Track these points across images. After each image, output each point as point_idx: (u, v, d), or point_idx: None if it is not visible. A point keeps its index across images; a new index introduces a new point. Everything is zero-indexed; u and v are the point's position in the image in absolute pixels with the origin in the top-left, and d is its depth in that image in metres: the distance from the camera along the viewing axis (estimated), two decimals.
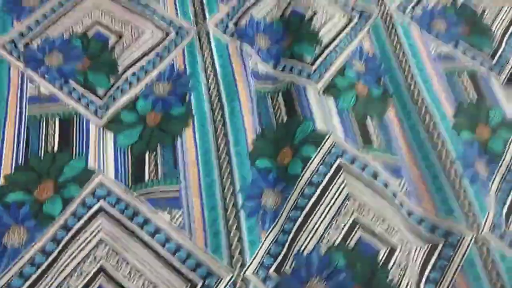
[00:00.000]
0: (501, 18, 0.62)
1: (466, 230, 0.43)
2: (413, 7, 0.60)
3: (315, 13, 0.58)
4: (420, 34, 0.58)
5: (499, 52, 0.58)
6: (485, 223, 0.43)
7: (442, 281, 0.41)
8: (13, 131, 0.47)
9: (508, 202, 0.46)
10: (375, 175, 0.45)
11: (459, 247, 0.42)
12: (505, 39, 0.59)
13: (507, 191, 0.47)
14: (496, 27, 0.60)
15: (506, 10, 0.63)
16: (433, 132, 0.48)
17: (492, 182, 0.47)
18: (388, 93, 0.52)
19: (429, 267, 0.42)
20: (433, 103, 0.50)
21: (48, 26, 0.55)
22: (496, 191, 0.46)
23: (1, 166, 0.45)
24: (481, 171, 0.46)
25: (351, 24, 0.58)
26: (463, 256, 0.42)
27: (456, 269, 0.41)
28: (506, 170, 0.48)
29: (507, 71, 0.56)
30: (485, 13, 0.61)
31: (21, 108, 0.49)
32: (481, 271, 0.41)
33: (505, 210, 0.45)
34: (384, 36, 0.57)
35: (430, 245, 0.43)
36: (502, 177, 0.47)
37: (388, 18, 0.59)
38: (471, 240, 0.42)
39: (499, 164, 0.48)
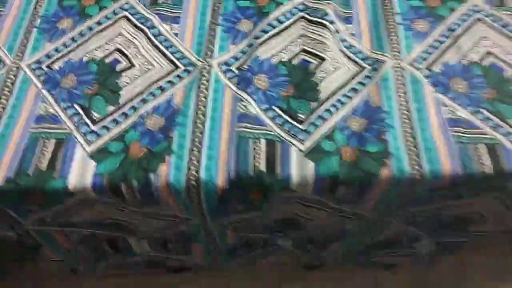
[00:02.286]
0: None
1: (390, 58, 0.57)
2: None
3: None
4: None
5: None
6: (406, 56, 0.57)
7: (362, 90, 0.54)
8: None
9: (438, 52, 0.57)
10: (330, 22, 0.59)
11: (380, 69, 0.55)
12: None
13: (440, 41, 0.58)
14: None
15: None
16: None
17: (430, 35, 0.58)
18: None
19: (354, 80, 0.55)
20: None
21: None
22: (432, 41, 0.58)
23: None
24: (422, 27, 0.59)
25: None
26: (381, 76, 0.55)
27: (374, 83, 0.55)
28: (446, 28, 0.59)
29: None
30: None
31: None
32: (392, 85, 0.55)
33: (432, 56, 0.57)
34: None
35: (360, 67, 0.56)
36: (440, 33, 0.59)
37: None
38: (388, 67, 0.56)
39: (441, 24, 0.59)
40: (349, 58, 0.58)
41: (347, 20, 0.61)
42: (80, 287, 1.06)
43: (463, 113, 0.53)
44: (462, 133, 0.51)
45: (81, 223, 0.62)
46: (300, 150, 0.51)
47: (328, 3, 0.61)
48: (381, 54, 0.57)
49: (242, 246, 0.81)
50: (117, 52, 0.60)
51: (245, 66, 0.57)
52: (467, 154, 0.50)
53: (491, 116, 0.52)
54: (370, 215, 0.61)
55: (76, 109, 0.55)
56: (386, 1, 0.61)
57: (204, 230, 0.68)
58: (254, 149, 0.51)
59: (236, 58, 0.58)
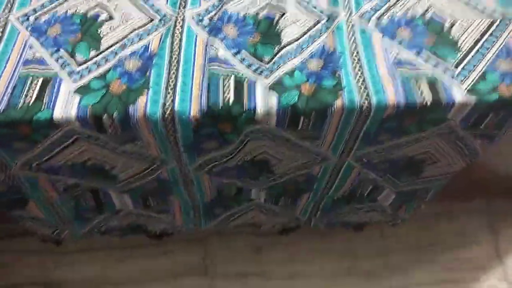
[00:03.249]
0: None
1: (343, 14, 0.64)
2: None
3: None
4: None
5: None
6: (357, 12, 0.64)
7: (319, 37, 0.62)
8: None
9: (385, 7, 0.65)
10: None
11: (334, 20, 0.63)
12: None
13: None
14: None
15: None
16: None
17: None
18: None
19: (313, 29, 0.63)
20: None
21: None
22: None
23: None
24: None
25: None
26: (335, 26, 0.63)
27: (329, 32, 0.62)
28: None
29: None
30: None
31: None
32: (345, 33, 0.62)
33: (380, 11, 0.64)
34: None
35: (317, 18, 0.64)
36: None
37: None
38: (341, 19, 0.64)
39: None
40: (307, 10, 0.65)
41: None
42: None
43: (407, 55, 0.60)
44: (405, 71, 0.59)
45: (64, 168, 0.67)
46: (264, 85, 0.57)
47: None
48: (336, 8, 0.64)
49: (218, 203, 0.86)
50: (99, 7, 0.65)
51: (215, 18, 0.63)
52: (410, 87, 0.57)
53: (432, 56, 0.60)
54: (331, 154, 0.68)
55: (60, 53, 0.60)
56: None
57: (181, 177, 0.73)
58: (224, 85, 0.58)
59: (207, 11, 0.64)
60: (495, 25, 0.63)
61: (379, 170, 0.75)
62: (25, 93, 0.57)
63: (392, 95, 0.57)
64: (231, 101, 0.56)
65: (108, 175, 0.71)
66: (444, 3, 0.65)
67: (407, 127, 0.62)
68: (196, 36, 0.62)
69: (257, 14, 0.65)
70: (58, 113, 0.55)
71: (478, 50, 0.61)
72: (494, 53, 0.61)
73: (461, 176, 0.78)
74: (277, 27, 0.63)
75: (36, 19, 0.64)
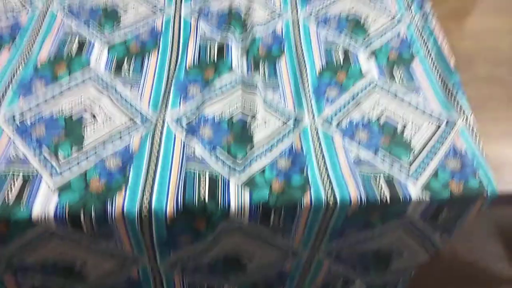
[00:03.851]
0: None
1: (307, 119, 0.71)
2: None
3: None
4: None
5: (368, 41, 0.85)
6: (319, 117, 0.72)
7: (287, 139, 0.69)
8: (49, 44, 0.79)
9: (344, 112, 0.73)
10: (260, 93, 0.75)
11: (300, 124, 0.71)
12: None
13: (344, 105, 0.74)
14: (372, 29, 0.88)
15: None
16: (304, 73, 0.80)
17: (337, 101, 0.75)
18: (284, 53, 0.82)
19: (281, 132, 0.70)
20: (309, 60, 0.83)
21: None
22: (340, 104, 0.74)
23: (39, 57, 0.77)
24: (332, 94, 0.76)
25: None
26: (301, 129, 0.70)
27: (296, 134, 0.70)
28: (349, 95, 0.76)
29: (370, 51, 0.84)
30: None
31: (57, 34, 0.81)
32: (310, 136, 0.69)
33: (339, 115, 0.73)
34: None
35: (285, 122, 0.72)
36: (345, 99, 0.75)
37: (296, 22, 0.89)
38: (306, 123, 0.71)
39: (346, 92, 0.77)
40: (276, 114, 0.72)
41: (275, 88, 0.76)
42: None
43: (365, 155, 0.67)
44: (365, 170, 0.65)
45: (35, 265, 0.66)
46: (237, 183, 0.62)
47: (259, 76, 0.77)
48: (301, 114, 0.72)
49: None
50: (83, 110, 0.70)
51: (193, 122, 0.69)
52: (370, 185, 0.63)
53: (387, 156, 0.67)
54: (301, 250, 0.71)
55: (43, 153, 0.63)
56: (304, 78, 0.78)
57: (153, 275, 0.73)
58: (199, 183, 0.61)
59: (186, 115, 0.71)
60: (442, 127, 0.72)
61: (349, 263, 0.77)
62: (4, 193, 0.58)
63: (354, 192, 0.62)
64: (206, 198, 0.60)
65: (78, 274, 0.70)
66: (396, 108, 0.74)
67: (371, 221, 0.66)
68: (175, 136, 0.67)
69: (231, 117, 0.71)
70: (36, 212, 0.56)
71: (429, 150, 0.68)
72: (443, 153, 0.68)
73: (430, 267, 0.81)
74: (249, 129, 0.69)
75: (21, 121, 0.68)
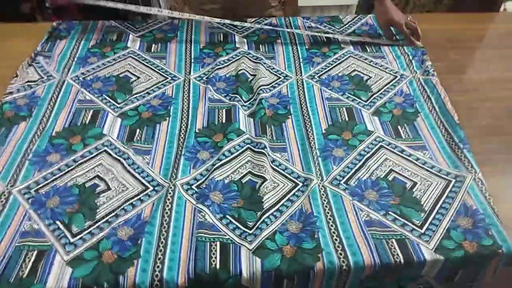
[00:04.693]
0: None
1: (315, 180, 0.72)
2: (319, 77, 0.85)
3: (255, 75, 0.86)
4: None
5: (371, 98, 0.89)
6: (327, 177, 0.73)
7: (296, 201, 0.70)
8: (65, 114, 0.84)
9: (352, 171, 0.74)
10: (268, 154, 0.77)
11: (309, 185, 0.71)
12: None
13: (354, 164, 0.75)
14: (374, 87, 0.92)
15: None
16: (310, 134, 0.82)
17: (345, 160, 0.76)
18: (290, 113, 0.86)
19: (290, 193, 0.71)
20: (314, 119, 0.86)
21: (99, 71, 0.89)
22: (347, 163, 0.76)
23: (54, 127, 0.81)
24: (338, 154, 0.77)
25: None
26: (310, 191, 0.71)
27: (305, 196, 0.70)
28: (356, 153, 0.77)
29: (374, 108, 0.88)
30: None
31: (73, 104, 0.86)
32: (319, 197, 0.70)
33: (348, 175, 0.74)
34: (295, 89, 0.84)
35: (294, 183, 0.73)
36: (352, 158, 0.76)
37: (300, 82, 0.92)
38: (315, 184, 0.72)
39: (352, 151, 0.78)
40: (285, 176, 0.73)
41: (282, 149, 0.78)
42: None
43: (375, 215, 0.67)
44: (376, 231, 0.65)
45: None
46: (248, 249, 0.61)
47: (266, 138, 0.79)
48: (310, 174, 0.73)
49: None
50: (97, 178, 0.72)
51: (203, 185, 0.71)
52: (383, 247, 0.62)
53: (398, 217, 0.67)
54: None
55: (57, 224, 0.65)
56: (310, 138, 0.80)
57: None
58: (210, 250, 0.61)
59: (196, 179, 0.72)
60: (451, 184, 0.72)
61: None
62: (19, 266, 0.59)
63: (367, 255, 0.61)
64: (217, 266, 0.60)
65: None
66: (404, 166, 0.75)
67: (386, 285, 0.65)
68: (185, 202, 0.68)
69: (240, 179, 0.72)
70: (50, 286, 0.57)
71: (439, 209, 0.68)
72: (454, 211, 0.68)
73: None
74: (259, 191, 0.70)
75: (36, 191, 0.70)
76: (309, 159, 0.75)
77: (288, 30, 1.09)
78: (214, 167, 0.73)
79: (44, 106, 0.86)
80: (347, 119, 0.84)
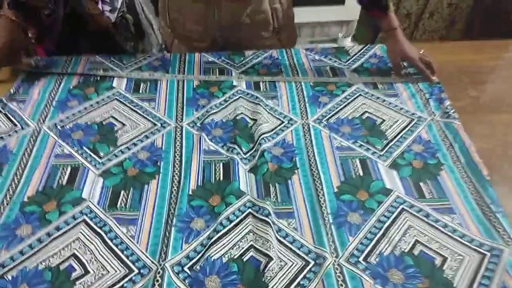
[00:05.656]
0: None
1: (329, 257, 0.62)
2: (327, 120, 0.85)
3: (256, 120, 0.84)
4: (328, 135, 0.81)
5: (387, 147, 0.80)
6: (343, 253, 0.63)
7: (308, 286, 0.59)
8: (39, 173, 0.74)
9: (372, 244, 0.64)
10: (273, 222, 0.66)
11: (323, 265, 0.61)
12: (395, 140, 0.80)
13: (372, 233, 0.66)
14: (389, 132, 0.83)
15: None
16: (320, 194, 0.71)
17: (362, 228, 0.66)
18: (296, 167, 0.76)
19: (301, 275, 0.61)
20: (324, 175, 0.74)
21: (80, 117, 0.86)
22: (365, 233, 0.66)
23: (27, 190, 0.71)
24: (355, 220, 0.67)
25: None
26: (324, 272, 0.60)
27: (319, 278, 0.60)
28: (376, 220, 0.67)
29: (391, 159, 0.77)
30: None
31: (49, 160, 0.76)
32: (335, 282, 0.60)
33: (367, 248, 0.64)
34: (301, 136, 0.82)
35: (304, 261, 0.62)
36: (372, 225, 0.66)
37: (306, 126, 0.85)
38: (329, 263, 0.61)
39: (371, 216, 0.68)
40: (293, 252, 0.62)
41: (289, 215, 0.67)
42: None
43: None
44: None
45: None
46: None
47: (270, 202, 0.69)
48: (323, 250, 0.62)
49: None
50: (73, 258, 0.62)
51: (197, 267, 0.60)
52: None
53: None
54: None
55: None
56: (320, 200, 0.70)
57: None
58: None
59: (189, 257, 0.62)
60: (486, 259, 0.62)
61: None
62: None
63: None
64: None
65: None
66: (431, 235, 0.65)
67: None
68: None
69: (241, 255, 0.62)
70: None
71: None
72: None
73: None
74: (263, 274, 0.59)
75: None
76: (321, 227, 0.65)
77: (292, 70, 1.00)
78: (211, 241, 0.63)
79: (16, 163, 0.75)
80: (361, 173, 0.74)
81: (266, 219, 0.66)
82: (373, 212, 0.68)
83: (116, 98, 0.90)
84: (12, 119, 0.85)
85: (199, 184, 0.72)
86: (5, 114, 0.85)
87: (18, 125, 0.83)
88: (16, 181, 0.72)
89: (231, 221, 0.66)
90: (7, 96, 0.90)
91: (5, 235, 0.64)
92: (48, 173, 0.73)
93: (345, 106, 0.89)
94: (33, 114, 0.86)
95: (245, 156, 0.77)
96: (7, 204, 0.68)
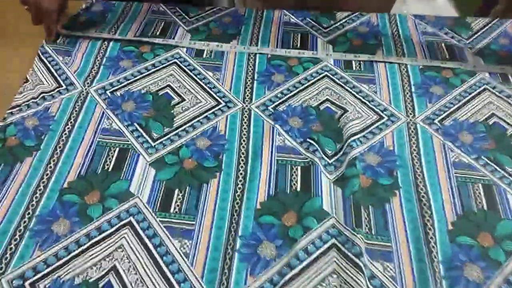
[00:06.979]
0: None
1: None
2: (441, 122, 0.65)
3: (345, 111, 0.66)
4: (442, 144, 0.62)
5: None
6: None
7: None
8: (83, 153, 0.60)
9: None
10: (358, 255, 0.50)
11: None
12: None
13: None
14: None
15: None
16: (429, 231, 0.53)
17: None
18: (397, 185, 0.57)
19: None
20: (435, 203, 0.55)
21: (131, 82, 0.70)
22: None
23: (68, 174, 0.58)
24: (475, 275, 0.49)
25: (378, 123, 0.65)
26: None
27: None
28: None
29: None
30: None
31: (94, 136, 0.62)
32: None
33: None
34: (405, 140, 0.62)
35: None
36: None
37: (412, 127, 0.64)
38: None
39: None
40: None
41: (386, 256, 0.52)
42: None
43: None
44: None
45: None
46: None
47: (362, 235, 0.52)
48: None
49: None
50: (113, 274, 0.50)
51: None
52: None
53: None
54: None
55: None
56: (430, 241, 0.53)
57: None
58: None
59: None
60: None
61: None
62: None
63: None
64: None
65: None
66: None
67: None
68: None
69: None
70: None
71: None
72: None
73: None
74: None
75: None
76: (429, 281, 0.49)
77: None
78: (283, 279, 0.49)
79: (57, 134, 0.63)
80: (485, 206, 0.56)
81: (357, 260, 0.50)
82: (499, 266, 0.50)
83: (175, 61, 0.75)
84: (56, 75, 0.72)
85: (270, 194, 0.57)
86: (48, 68, 0.72)
87: (63, 84, 0.70)
88: (56, 159, 0.60)
89: (309, 253, 0.51)
90: (53, 45, 0.76)
91: (40, 229, 0.54)
92: (93, 153, 0.61)
93: (465, 103, 0.68)
94: (80, 72, 0.72)
95: (329, 161, 0.61)
96: (44, 188, 0.57)
